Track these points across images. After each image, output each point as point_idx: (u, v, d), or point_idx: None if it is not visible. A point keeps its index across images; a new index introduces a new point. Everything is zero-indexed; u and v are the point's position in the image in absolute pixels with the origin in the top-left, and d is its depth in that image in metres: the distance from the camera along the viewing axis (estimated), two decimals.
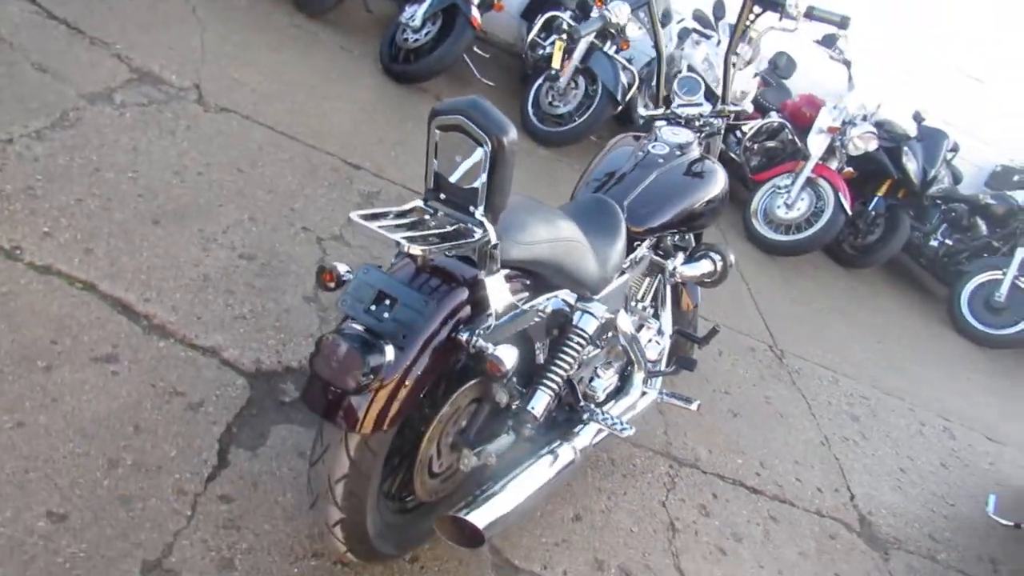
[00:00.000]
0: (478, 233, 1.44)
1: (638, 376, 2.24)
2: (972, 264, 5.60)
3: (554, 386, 1.74)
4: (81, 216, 2.38)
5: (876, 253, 5.52)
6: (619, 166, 2.35)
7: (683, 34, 5.62)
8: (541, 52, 5.20)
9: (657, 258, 2.39)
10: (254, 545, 1.73)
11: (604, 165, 2.39)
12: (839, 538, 2.74)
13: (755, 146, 5.50)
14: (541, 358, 1.87)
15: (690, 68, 5.20)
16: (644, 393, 2.29)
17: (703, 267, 2.45)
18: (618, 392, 2.26)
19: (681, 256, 2.45)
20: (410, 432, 1.68)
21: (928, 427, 3.89)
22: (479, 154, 1.37)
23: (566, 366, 1.76)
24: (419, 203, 1.50)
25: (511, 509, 1.68)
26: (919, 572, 2.78)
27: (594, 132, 4.97)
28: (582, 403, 2.05)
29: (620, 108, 4.93)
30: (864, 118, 5.04)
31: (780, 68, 5.85)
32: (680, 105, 2.55)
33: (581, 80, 4.98)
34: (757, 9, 2.44)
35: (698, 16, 5.58)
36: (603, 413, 2.01)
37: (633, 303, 2.43)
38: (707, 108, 2.55)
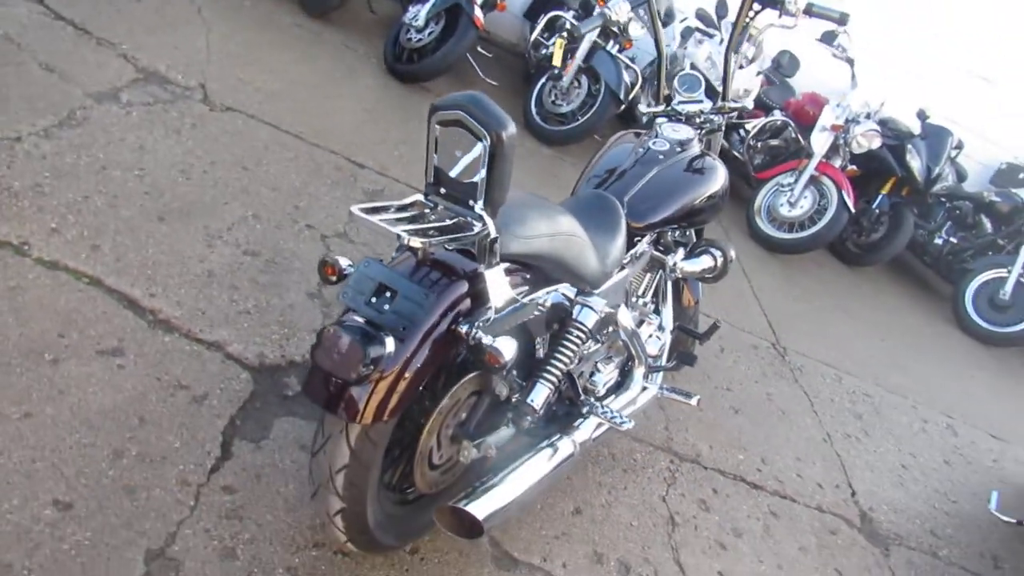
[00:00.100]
0: (477, 227, 1.46)
1: (638, 371, 2.26)
2: (977, 262, 5.59)
3: (553, 379, 1.76)
4: (88, 213, 2.42)
5: (880, 251, 5.52)
6: (620, 162, 2.37)
7: (686, 33, 5.63)
8: (544, 52, 5.22)
9: (658, 254, 2.41)
10: (256, 535, 1.75)
11: (605, 162, 2.41)
12: (840, 534, 2.75)
13: (758, 144, 5.50)
14: (541, 352, 1.89)
15: (693, 67, 5.21)
16: (644, 388, 2.31)
17: (704, 263, 2.46)
18: (618, 387, 2.28)
19: (682, 252, 2.47)
20: (410, 424, 1.70)
21: (931, 424, 3.89)
22: (478, 149, 1.40)
23: (566, 359, 1.77)
24: (419, 197, 1.53)
25: (510, 501, 1.70)
26: (920, 568, 2.78)
27: (597, 131, 4.98)
28: (582, 397, 2.07)
29: (623, 107, 4.95)
30: (868, 116, 5.04)
31: (783, 66, 5.85)
32: (681, 102, 2.56)
33: (584, 79, 5.00)
34: (757, 6, 2.45)
35: (701, 15, 5.59)
36: (603, 407, 2.03)
37: (634, 299, 2.45)
38: (708, 105, 2.57)
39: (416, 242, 1.36)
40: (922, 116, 5.49)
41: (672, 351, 2.66)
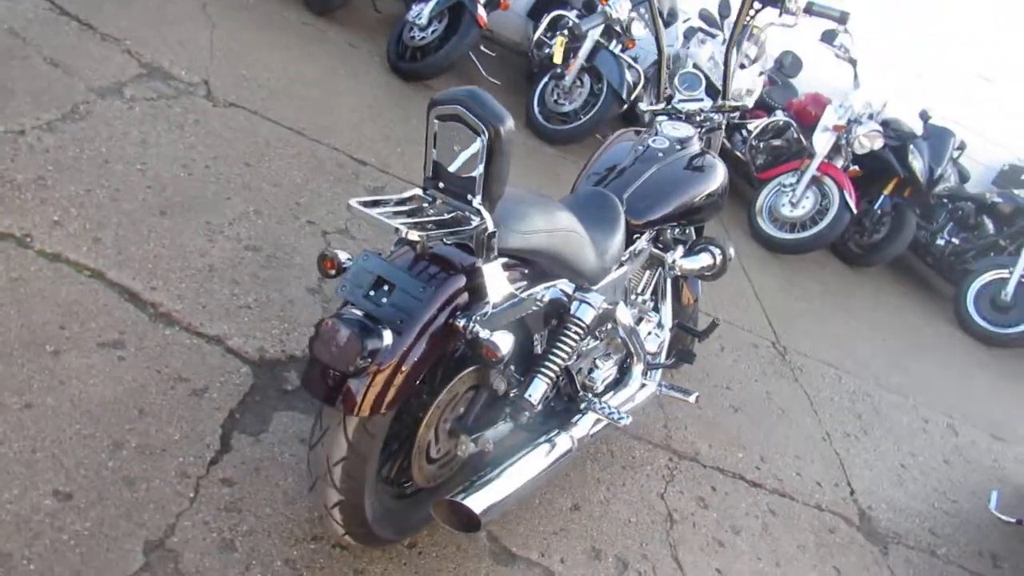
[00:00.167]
0: (475, 221, 1.47)
1: (637, 368, 2.26)
2: (978, 263, 5.59)
3: (551, 374, 1.76)
4: (90, 206, 2.43)
5: (882, 251, 5.52)
6: (619, 160, 2.37)
7: (689, 33, 5.64)
8: (547, 51, 5.21)
9: (657, 251, 2.41)
10: (255, 527, 1.76)
11: (604, 159, 2.41)
12: (838, 532, 2.75)
13: (761, 144, 5.50)
14: (539, 348, 1.89)
15: (695, 66, 5.21)
16: (643, 385, 2.31)
17: (702, 260, 2.47)
18: (617, 384, 2.28)
19: (681, 249, 2.47)
20: (408, 418, 1.71)
21: (931, 424, 3.89)
22: (477, 143, 1.40)
23: (563, 355, 1.78)
24: (418, 191, 1.53)
25: (508, 495, 1.71)
26: (918, 567, 2.79)
27: (599, 130, 4.98)
28: (580, 393, 2.07)
29: (625, 107, 4.95)
30: (870, 116, 5.04)
31: (786, 67, 5.85)
32: (681, 100, 2.57)
33: (587, 79, 5.00)
34: (757, 5, 2.45)
35: (704, 15, 5.60)
36: (600, 403, 2.03)
37: (633, 296, 2.45)
38: (708, 103, 2.57)
39: (414, 235, 1.37)
40: (924, 117, 5.49)
41: (671, 349, 2.66)
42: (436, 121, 1.45)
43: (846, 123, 4.98)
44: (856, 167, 5.28)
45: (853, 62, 4.92)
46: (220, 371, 2.11)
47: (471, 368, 1.72)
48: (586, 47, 4.83)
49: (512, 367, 1.83)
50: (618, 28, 4.72)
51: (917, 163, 5.27)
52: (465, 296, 1.54)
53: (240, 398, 2.06)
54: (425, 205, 1.52)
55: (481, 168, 1.42)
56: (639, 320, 2.47)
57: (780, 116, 5.46)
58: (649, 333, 2.48)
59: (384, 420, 1.54)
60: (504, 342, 1.49)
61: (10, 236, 2.18)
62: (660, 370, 2.48)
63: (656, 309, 2.57)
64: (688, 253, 2.49)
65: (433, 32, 4.63)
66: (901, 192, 5.52)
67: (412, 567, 1.85)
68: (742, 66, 5.12)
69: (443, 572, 1.88)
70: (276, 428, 2.03)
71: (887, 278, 5.88)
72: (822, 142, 5.05)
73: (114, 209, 2.47)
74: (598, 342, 2.18)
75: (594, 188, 2.24)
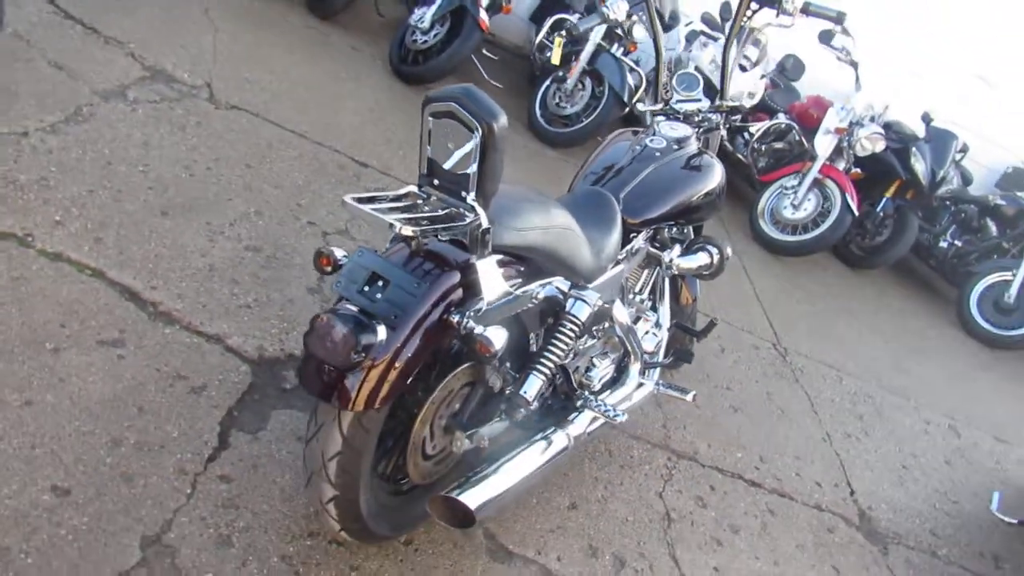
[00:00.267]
0: (469, 217, 1.48)
1: (634, 367, 2.26)
2: (981, 265, 5.57)
3: (546, 371, 1.77)
4: (92, 206, 2.45)
5: (884, 254, 5.51)
6: (616, 160, 2.38)
7: (691, 36, 5.65)
8: (548, 54, 5.24)
9: (654, 250, 2.42)
10: (251, 523, 1.77)
11: (602, 159, 2.42)
12: (837, 532, 2.75)
13: (762, 147, 5.51)
14: (535, 346, 1.90)
15: (697, 69, 5.22)
16: (641, 384, 2.32)
17: (700, 259, 2.47)
18: (614, 382, 2.29)
19: (678, 248, 2.48)
20: (404, 414, 1.72)
21: (933, 425, 3.88)
22: (471, 140, 1.41)
23: (559, 351, 1.79)
24: (413, 188, 1.55)
25: (503, 491, 1.71)
26: (918, 567, 2.78)
27: (601, 133, 4.98)
28: (577, 391, 2.08)
29: (627, 110, 4.96)
30: (872, 119, 5.04)
31: (788, 70, 5.86)
32: (678, 101, 2.58)
33: (588, 82, 5.02)
34: (754, 5, 2.46)
35: (706, 19, 5.61)
36: (596, 400, 2.04)
37: (631, 295, 2.46)
38: (705, 104, 2.58)
39: (407, 230, 1.38)
40: (926, 119, 5.48)
41: (670, 349, 2.67)
42: (430, 118, 1.47)
43: (848, 125, 4.98)
44: (858, 169, 5.27)
45: (855, 65, 4.92)
46: (219, 369, 2.13)
47: (467, 365, 1.73)
48: (587, 50, 4.85)
49: (508, 364, 1.84)
50: (619, 31, 4.74)
51: (919, 165, 5.26)
52: (459, 292, 1.55)
53: (239, 396, 2.08)
54: (420, 202, 1.53)
55: (475, 165, 1.43)
56: (636, 319, 2.47)
57: (782, 119, 5.46)
58: (647, 332, 2.48)
59: (379, 415, 1.55)
60: (498, 337, 1.50)
61: (12, 236, 2.20)
62: (658, 369, 2.49)
63: (654, 308, 2.58)
64: (685, 252, 2.50)
65: (435, 36, 4.66)
66: (903, 194, 5.51)
67: (408, 564, 1.86)
68: (743, 69, 5.14)
69: (439, 569, 1.89)
70: (274, 426, 2.05)
71: (889, 280, 5.87)
72: (824, 144, 5.05)
73: (116, 209, 2.49)
74: (595, 341, 2.19)
75: (591, 187, 2.25)
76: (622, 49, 4.90)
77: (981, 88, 6.24)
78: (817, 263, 5.40)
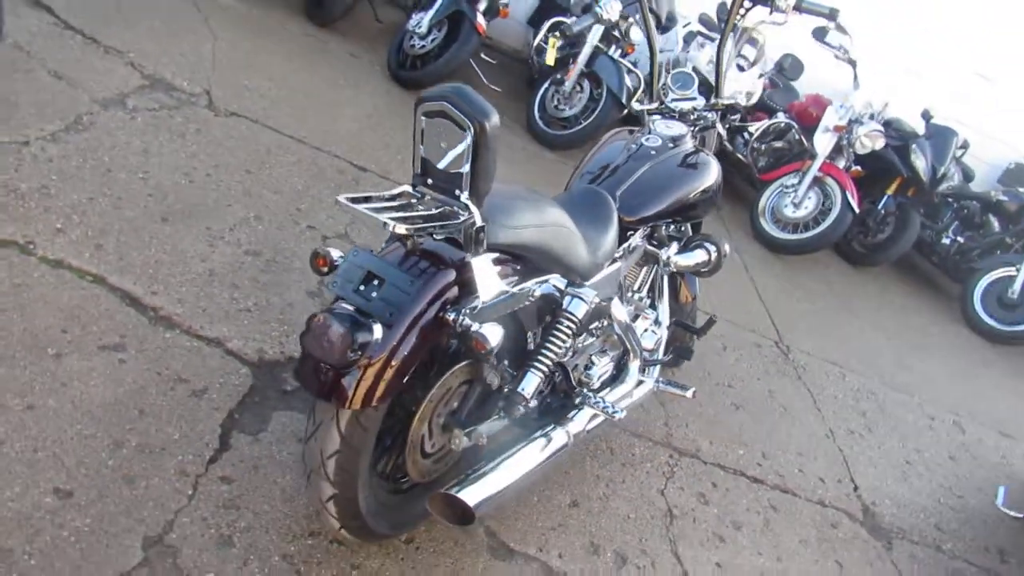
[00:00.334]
0: (463, 215, 1.49)
1: (634, 364, 2.27)
2: (984, 261, 5.56)
3: (544, 368, 1.78)
4: (92, 214, 2.47)
5: (886, 251, 5.50)
6: (612, 159, 2.39)
7: (688, 38, 5.65)
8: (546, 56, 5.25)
9: (651, 248, 2.43)
10: (252, 524, 1.78)
11: (598, 158, 2.44)
12: (841, 527, 2.74)
13: (762, 146, 5.51)
14: (534, 346, 1.91)
15: (695, 70, 5.23)
16: (641, 381, 2.32)
17: (697, 256, 2.48)
18: (614, 380, 2.30)
19: (675, 246, 2.48)
20: (402, 412, 1.73)
21: (937, 421, 3.87)
22: (464, 139, 1.43)
23: (556, 348, 1.80)
24: (407, 188, 1.56)
25: (502, 488, 1.72)
26: (923, 562, 2.77)
27: (599, 135, 4.98)
28: (576, 389, 2.09)
29: (625, 111, 4.97)
30: (871, 117, 5.04)
31: (787, 70, 5.86)
32: (674, 99, 2.59)
33: (586, 84, 5.04)
34: (747, 3, 2.48)
35: (704, 20, 5.62)
36: (595, 397, 2.05)
37: (629, 293, 2.46)
38: (701, 102, 2.59)
39: (401, 228, 1.39)
40: (926, 116, 5.49)
41: (670, 347, 2.67)
42: (423, 118, 1.48)
43: (847, 123, 4.99)
44: (858, 167, 5.27)
45: (853, 63, 4.92)
46: (220, 372, 2.14)
47: (464, 363, 1.74)
48: (585, 52, 4.86)
49: (506, 363, 1.84)
50: (616, 33, 4.75)
51: (920, 162, 5.26)
52: (455, 290, 1.56)
53: (239, 398, 2.09)
54: (414, 201, 1.55)
55: (468, 164, 1.45)
56: (635, 317, 2.48)
57: (781, 118, 5.47)
58: (646, 330, 2.49)
59: (376, 413, 1.57)
60: (493, 334, 1.51)
61: (14, 243, 2.22)
62: (658, 367, 2.49)
63: (653, 306, 2.59)
64: (683, 250, 2.51)
65: (433, 40, 4.69)
66: (905, 192, 5.51)
67: (409, 562, 1.87)
68: (741, 68, 5.15)
69: (440, 567, 1.90)
70: (275, 428, 2.06)
71: (892, 278, 5.86)
72: (823, 143, 5.05)
73: (116, 216, 2.51)
74: (594, 339, 2.20)
75: (587, 186, 2.26)
76: (619, 51, 4.91)
77: (980, 85, 6.24)
78: (819, 261, 5.39)
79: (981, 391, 4.52)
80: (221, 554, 1.69)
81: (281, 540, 1.78)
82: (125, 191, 2.64)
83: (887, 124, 5.15)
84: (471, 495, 1.63)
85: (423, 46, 4.69)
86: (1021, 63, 6.10)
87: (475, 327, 1.51)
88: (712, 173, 2.45)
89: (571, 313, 1.81)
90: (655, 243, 2.46)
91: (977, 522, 3.14)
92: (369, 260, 1.52)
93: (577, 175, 2.40)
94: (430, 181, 1.53)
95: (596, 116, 4.92)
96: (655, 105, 2.60)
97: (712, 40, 5.46)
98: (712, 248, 2.50)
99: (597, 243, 2.03)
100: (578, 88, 5.05)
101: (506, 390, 1.83)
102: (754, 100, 5.32)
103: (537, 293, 1.78)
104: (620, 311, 2.07)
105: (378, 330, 1.45)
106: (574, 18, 5.22)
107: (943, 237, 5.82)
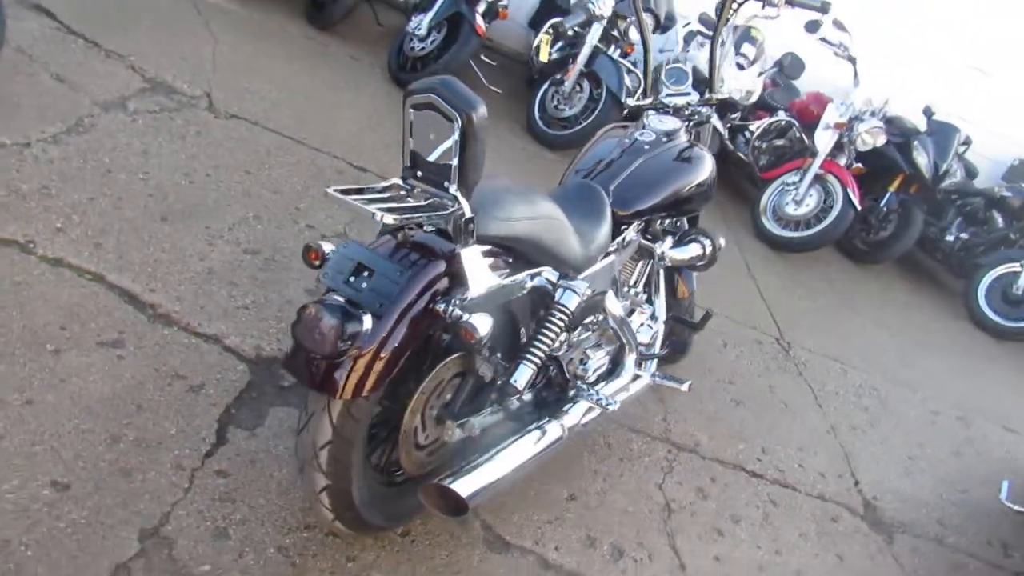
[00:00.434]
0: (452, 207, 1.50)
1: (630, 358, 2.27)
2: (988, 257, 5.54)
3: (536, 360, 1.78)
4: (92, 214, 2.50)
5: (889, 248, 5.48)
6: (606, 154, 2.41)
7: (688, 37, 5.66)
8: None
9: (646, 242, 2.44)
10: (248, 516, 1.79)
11: (592, 154, 2.45)
12: (841, 521, 2.74)
13: (763, 145, 5.51)
14: (526, 338, 1.92)
15: (695, 69, 5.23)
16: (637, 376, 2.33)
17: (692, 251, 2.48)
18: (610, 374, 2.30)
19: (670, 240, 2.49)
20: (396, 404, 1.74)
21: (941, 416, 3.86)
22: (452, 131, 1.44)
23: (548, 340, 1.80)
24: (397, 180, 1.58)
25: (495, 480, 1.73)
26: (925, 555, 2.76)
27: None
28: (571, 382, 2.09)
29: (625, 111, 4.98)
30: (872, 114, 5.03)
31: (787, 68, 5.86)
32: (668, 95, 2.60)
33: (586, 84, 5.05)
34: None
35: (704, 19, 5.62)
36: (590, 390, 2.05)
37: (625, 288, 2.47)
38: (695, 97, 2.60)
39: (388, 218, 1.41)
40: (928, 113, 5.47)
41: (667, 341, 2.67)
42: (411, 110, 1.50)
43: (847, 121, 4.98)
44: (860, 164, 5.26)
45: (853, 60, 4.92)
46: (217, 369, 2.16)
47: (456, 355, 1.75)
48: (584, 52, 4.87)
49: (499, 355, 1.85)
50: (615, 32, 4.77)
51: (922, 159, 5.24)
52: (445, 281, 1.57)
53: (236, 394, 2.11)
54: (403, 193, 1.56)
55: (456, 156, 1.46)
56: (631, 312, 2.49)
57: (782, 116, 5.46)
58: (642, 325, 2.49)
59: (368, 404, 1.58)
60: (482, 324, 1.52)
61: (14, 242, 2.25)
62: (655, 361, 2.50)
63: (649, 301, 2.59)
64: (677, 244, 2.51)
65: (432, 42, 4.71)
66: (907, 188, 5.49)
67: (405, 554, 1.88)
68: (741, 67, 5.15)
69: (436, 559, 1.91)
70: (271, 422, 2.07)
71: (894, 275, 5.84)
72: (824, 140, 5.04)
73: (116, 216, 2.54)
74: (589, 333, 2.20)
75: (580, 180, 2.28)
76: (619, 51, 4.92)
77: (981, 80, 6.21)
78: (821, 259, 5.38)
79: (985, 387, 4.50)
80: (217, 546, 1.71)
81: (277, 533, 1.79)
82: (125, 191, 2.67)
83: (888, 121, 5.13)
84: (464, 486, 1.64)
85: (423, 48, 4.72)
86: (1017, 56, 6.07)
87: (465, 317, 1.52)
88: (706, 167, 2.45)
89: (563, 305, 1.82)
90: (650, 237, 2.46)
91: (980, 517, 3.12)
92: (359, 252, 1.53)
93: (571, 170, 2.42)
94: (420, 174, 1.54)
95: (596, 116, 4.92)
96: (649, 100, 2.61)
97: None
98: (707, 242, 2.50)
99: (590, 236, 2.04)
100: (578, 88, 5.06)
101: (499, 382, 1.84)
102: (754, 99, 5.31)
103: (529, 285, 1.80)
104: (615, 305, 2.08)
105: (368, 321, 1.47)
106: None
107: (946, 234, 5.80)
